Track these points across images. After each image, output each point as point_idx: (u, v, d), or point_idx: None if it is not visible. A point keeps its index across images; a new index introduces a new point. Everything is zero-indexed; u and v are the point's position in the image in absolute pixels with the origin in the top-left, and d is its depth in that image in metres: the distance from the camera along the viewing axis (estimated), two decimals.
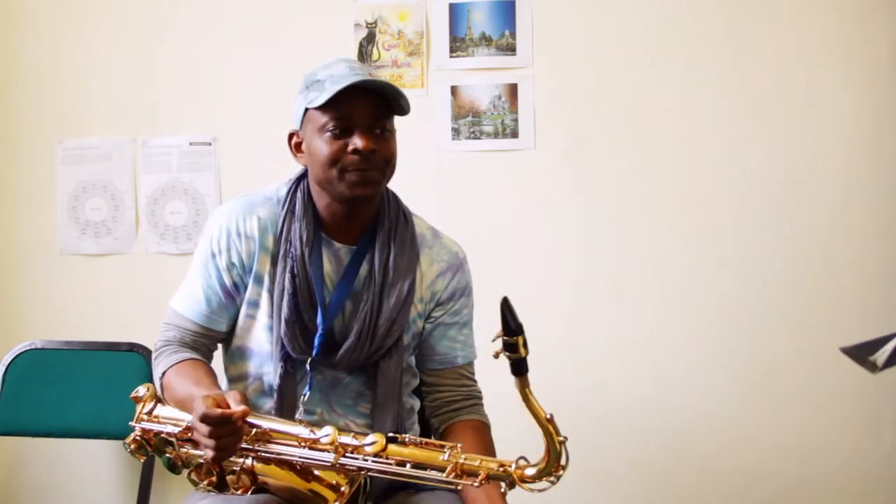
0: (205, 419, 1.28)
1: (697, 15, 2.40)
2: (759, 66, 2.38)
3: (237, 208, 1.55)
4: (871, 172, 2.37)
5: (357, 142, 1.43)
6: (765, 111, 2.39)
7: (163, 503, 2.42)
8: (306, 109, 1.48)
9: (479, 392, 1.64)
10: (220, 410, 1.29)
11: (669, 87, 2.41)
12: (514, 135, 2.44)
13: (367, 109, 1.45)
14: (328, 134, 1.45)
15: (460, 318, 1.62)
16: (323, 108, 1.44)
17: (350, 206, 1.51)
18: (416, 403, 1.67)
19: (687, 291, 2.41)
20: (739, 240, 2.40)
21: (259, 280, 1.53)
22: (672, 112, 2.41)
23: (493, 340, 1.19)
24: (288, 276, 1.49)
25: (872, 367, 1.12)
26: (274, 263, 1.52)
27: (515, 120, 2.44)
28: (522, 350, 1.19)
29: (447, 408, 1.61)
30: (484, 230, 2.41)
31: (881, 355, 1.11)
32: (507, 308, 1.17)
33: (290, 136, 1.54)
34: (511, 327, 1.17)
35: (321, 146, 1.46)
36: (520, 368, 1.20)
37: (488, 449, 1.54)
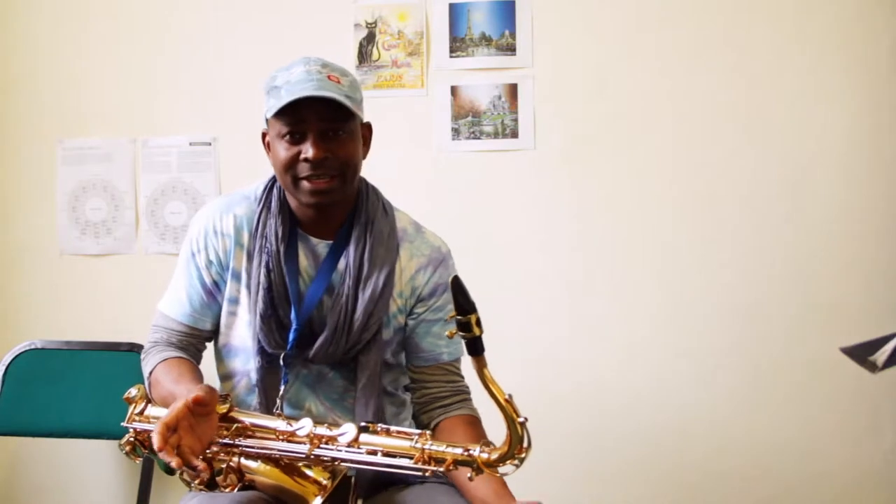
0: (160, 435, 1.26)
1: (697, 15, 2.40)
2: (759, 66, 2.38)
3: (215, 208, 1.58)
4: (870, 173, 2.37)
5: (308, 150, 1.44)
6: (764, 111, 2.39)
7: (162, 503, 2.42)
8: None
9: (467, 387, 1.63)
10: (160, 422, 1.27)
11: (669, 87, 2.41)
12: (514, 135, 2.44)
13: (318, 116, 1.44)
14: (284, 141, 1.46)
15: (444, 315, 1.59)
16: (277, 115, 1.45)
17: (316, 208, 1.51)
18: (409, 398, 1.67)
19: (686, 291, 2.41)
20: (739, 239, 2.40)
21: (237, 276, 1.55)
22: (672, 112, 2.41)
23: (448, 320, 1.18)
24: (263, 270, 1.51)
25: (872, 367, 1.12)
26: (250, 259, 1.54)
27: (515, 120, 2.44)
28: (476, 329, 1.18)
29: (436, 404, 1.60)
30: (484, 230, 2.41)
31: (881, 355, 1.11)
32: (457, 288, 1.18)
33: (263, 135, 1.56)
34: (463, 306, 1.17)
35: (279, 152, 1.48)
36: (475, 348, 1.20)
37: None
